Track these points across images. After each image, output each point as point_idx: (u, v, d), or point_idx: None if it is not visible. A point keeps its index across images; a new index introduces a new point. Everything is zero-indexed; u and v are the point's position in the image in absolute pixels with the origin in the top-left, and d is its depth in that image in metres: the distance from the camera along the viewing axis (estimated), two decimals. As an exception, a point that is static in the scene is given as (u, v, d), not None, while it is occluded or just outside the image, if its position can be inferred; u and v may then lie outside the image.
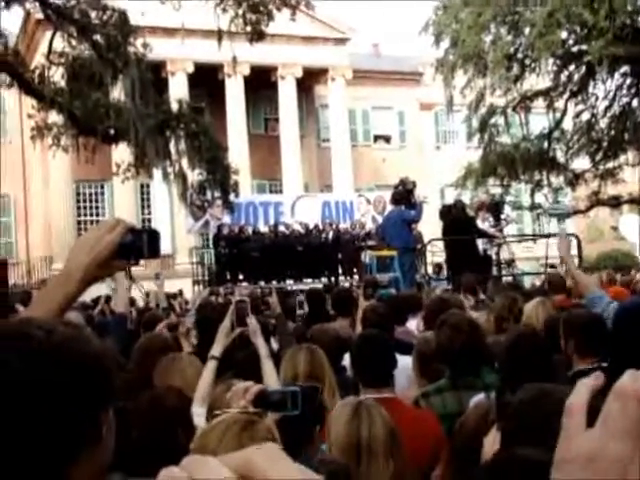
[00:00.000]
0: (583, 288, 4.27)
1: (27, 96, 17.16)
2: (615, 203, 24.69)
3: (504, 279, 13.47)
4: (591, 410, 0.63)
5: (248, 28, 16.75)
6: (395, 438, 2.52)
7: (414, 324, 5.79)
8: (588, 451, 0.60)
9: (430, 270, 13.61)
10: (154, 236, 1.61)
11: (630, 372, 0.62)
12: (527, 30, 20.22)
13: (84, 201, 31.90)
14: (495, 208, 14.79)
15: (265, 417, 2.03)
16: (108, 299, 10.66)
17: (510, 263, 14.61)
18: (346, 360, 4.32)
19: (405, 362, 4.21)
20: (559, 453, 0.63)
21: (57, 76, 16.53)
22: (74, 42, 15.93)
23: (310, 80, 34.14)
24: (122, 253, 1.56)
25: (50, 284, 1.63)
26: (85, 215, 31.51)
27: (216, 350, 3.41)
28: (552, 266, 12.77)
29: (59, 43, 16.17)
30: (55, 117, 17.13)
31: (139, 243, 1.57)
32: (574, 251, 12.89)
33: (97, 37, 15.51)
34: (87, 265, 1.54)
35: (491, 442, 2.37)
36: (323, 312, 6.75)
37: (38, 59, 19.11)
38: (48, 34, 17.01)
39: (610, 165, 23.25)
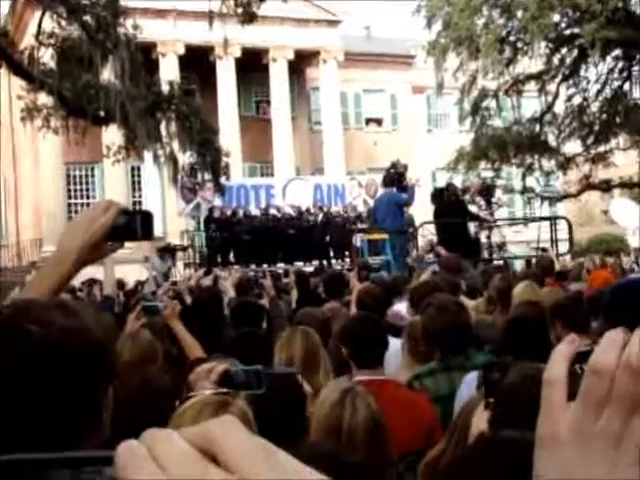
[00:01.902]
0: None
1: (16, 77, 17.02)
2: (606, 187, 24.75)
3: (495, 262, 13.51)
4: (571, 380, 0.60)
5: (239, 10, 16.64)
6: (379, 430, 2.47)
7: (403, 307, 5.78)
8: (574, 425, 0.58)
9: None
10: (147, 218, 1.60)
11: (606, 342, 0.59)
12: (520, 13, 20.18)
13: (74, 183, 31.73)
14: (487, 191, 14.80)
15: (239, 398, 2.03)
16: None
17: (501, 246, 14.65)
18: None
19: (397, 345, 4.22)
20: (542, 428, 0.60)
21: (47, 57, 16.40)
22: (64, 23, 15.79)
23: (302, 62, 33.99)
24: (115, 235, 1.56)
25: (44, 266, 1.63)
26: (75, 197, 31.36)
27: None
28: (543, 249, 12.81)
29: (48, 24, 16.03)
30: (45, 98, 17.01)
31: (132, 225, 1.57)
32: (565, 235, 12.94)
33: (87, 18, 15.37)
34: (80, 247, 1.53)
35: (478, 420, 2.37)
36: (313, 294, 6.77)
37: (27, 40, 18.93)
38: (37, 14, 16.84)
39: (601, 149, 23.32)
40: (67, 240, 1.56)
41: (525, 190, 24.08)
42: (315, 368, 3.45)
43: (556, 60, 22.06)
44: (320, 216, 21.45)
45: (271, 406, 2.27)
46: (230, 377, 2.26)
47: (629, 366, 0.57)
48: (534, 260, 9.96)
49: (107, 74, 16.46)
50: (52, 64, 16.33)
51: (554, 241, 12.92)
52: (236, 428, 0.45)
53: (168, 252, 16.78)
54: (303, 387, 2.78)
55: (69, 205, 30.45)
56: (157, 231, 28.24)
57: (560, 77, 22.37)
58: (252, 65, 31.84)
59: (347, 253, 19.60)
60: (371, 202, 23.03)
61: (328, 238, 20.77)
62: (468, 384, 3.14)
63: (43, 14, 15.95)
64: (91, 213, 1.57)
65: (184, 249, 19.50)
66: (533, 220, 21.75)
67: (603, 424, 0.57)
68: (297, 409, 2.61)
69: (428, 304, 3.93)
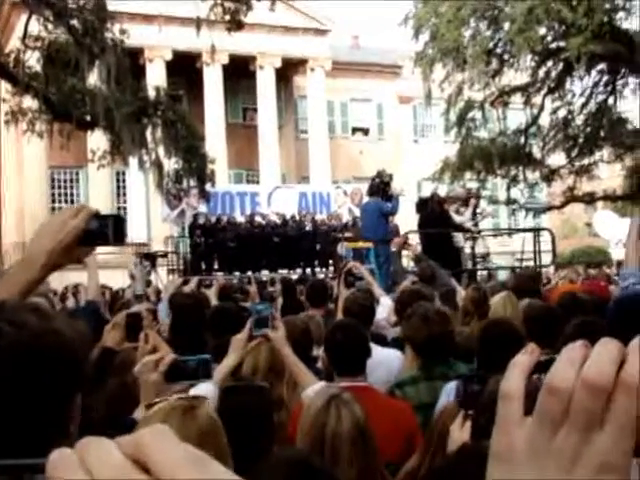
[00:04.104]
0: (627, 262, 4.22)
1: (1, 80, 16.92)
2: (590, 199, 24.90)
3: (479, 273, 13.55)
4: (529, 393, 0.57)
5: (227, 17, 16.64)
6: (364, 439, 2.44)
7: (383, 315, 5.77)
8: (529, 443, 0.55)
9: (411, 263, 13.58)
10: (120, 222, 1.57)
11: (564, 358, 0.56)
12: (507, 25, 20.30)
13: (59, 187, 31.59)
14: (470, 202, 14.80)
15: (205, 403, 2.01)
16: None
17: (485, 257, 14.68)
18: (318, 351, 4.32)
19: (385, 354, 4.20)
20: (497, 444, 0.57)
21: (32, 60, 16.31)
22: (50, 26, 15.72)
23: (289, 70, 34.04)
24: (87, 239, 1.53)
25: (13, 269, 1.60)
26: (60, 202, 31.21)
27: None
28: (536, 267, 12.84)
29: (35, 27, 15.96)
30: (30, 102, 16.92)
31: (104, 229, 1.54)
32: (549, 246, 13.00)
33: (74, 22, 15.31)
34: (50, 251, 1.50)
35: (457, 429, 2.36)
36: (298, 302, 6.77)
37: (13, 43, 18.83)
38: (24, 17, 16.76)
39: (585, 162, 23.45)
40: (37, 243, 1.54)
41: (509, 201, 24.17)
42: (279, 377, 3.43)
43: (542, 73, 22.19)
44: (307, 224, 21.42)
45: (239, 417, 2.26)
46: (179, 367, 2.25)
47: (587, 384, 0.54)
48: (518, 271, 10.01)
49: (93, 79, 16.40)
50: (38, 67, 16.26)
51: (537, 252, 12.97)
52: (166, 437, 0.45)
53: (148, 258, 16.73)
54: (270, 398, 2.77)
55: (53, 209, 30.25)
56: (141, 237, 28.14)
57: (545, 90, 22.51)
58: (239, 72, 31.86)
59: (331, 261, 19.60)
60: (356, 211, 23.05)
61: (312, 246, 20.75)
62: (447, 393, 3.14)
63: (29, 17, 15.87)
64: (62, 216, 1.54)
65: (164, 255, 19.43)
66: (517, 231, 21.85)
67: (559, 442, 0.55)
68: (264, 420, 2.59)
69: (411, 313, 3.93)
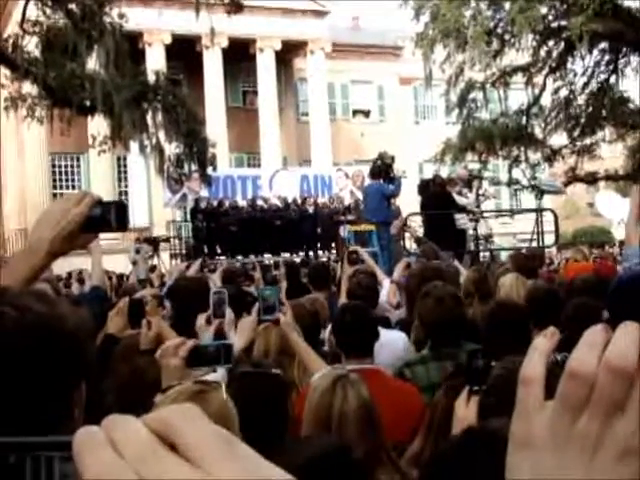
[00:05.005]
0: (629, 241, 4.20)
1: (0, 66, 16.85)
2: (591, 179, 24.83)
3: (481, 254, 13.54)
4: (550, 375, 0.57)
5: (226, 0, 16.56)
6: (370, 418, 2.45)
7: (384, 296, 5.75)
8: (550, 428, 0.54)
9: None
10: (122, 209, 1.57)
11: (585, 341, 0.55)
12: (507, 5, 20.17)
13: (60, 173, 31.57)
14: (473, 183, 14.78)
15: (220, 388, 2.01)
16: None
17: (487, 238, 14.67)
18: (324, 333, 4.32)
19: (389, 336, 4.20)
20: (517, 430, 0.56)
21: (31, 46, 16.23)
22: (48, 11, 15.64)
23: (289, 53, 33.89)
24: (90, 226, 1.54)
25: (16, 256, 1.60)
26: (61, 188, 31.19)
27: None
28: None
29: (33, 12, 15.87)
30: (29, 87, 16.85)
31: (107, 216, 1.54)
32: (551, 227, 12.99)
33: (72, 6, 15.24)
34: (53, 238, 1.50)
35: (462, 406, 2.35)
36: (302, 285, 6.77)
37: (11, 28, 18.72)
38: (22, 2, 16.67)
39: (587, 141, 23.37)
40: (39, 231, 1.53)
41: (511, 182, 24.10)
42: (290, 359, 3.43)
43: (543, 52, 22.06)
44: (309, 207, 21.41)
45: (251, 405, 2.25)
46: (199, 352, 2.25)
47: (610, 367, 0.53)
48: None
49: (92, 63, 16.33)
50: (37, 53, 16.18)
51: (540, 233, 12.96)
52: (196, 416, 0.44)
53: (150, 243, 16.70)
54: (284, 385, 2.76)
55: (54, 195, 30.24)
56: (143, 221, 28.13)
57: (547, 69, 22.38)
58: (239, 55, 31.73)
59: (334, 244, 19.60)
60: (358, 193, 23.03)
61: (314, 229, 20.75)
62: (456, 373, 3.13)
63: (27, 2, 15.79)
64: (64, 204, 1.54)
65: (167, 240, 19.42)
66: (519, 212, 21.80)
67: (581, 428, 0.54)
68: (277, 409, 2.59)
69: (426, 293, 3.89)
